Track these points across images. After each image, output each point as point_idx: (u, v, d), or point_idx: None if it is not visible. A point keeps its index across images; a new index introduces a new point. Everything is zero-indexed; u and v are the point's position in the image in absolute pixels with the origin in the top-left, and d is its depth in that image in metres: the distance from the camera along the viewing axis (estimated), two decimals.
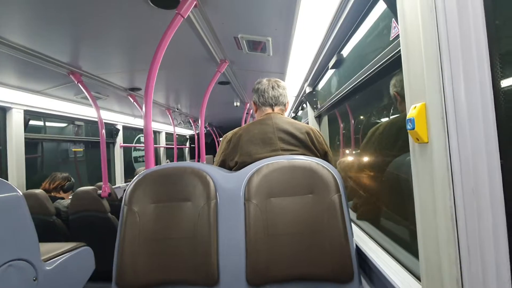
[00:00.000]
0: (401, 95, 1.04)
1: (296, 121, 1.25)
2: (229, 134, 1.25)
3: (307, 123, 2.27)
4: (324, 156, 1.21)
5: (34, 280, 1.19)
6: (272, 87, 1.27)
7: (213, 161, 1.34)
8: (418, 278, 0.77)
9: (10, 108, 2.30)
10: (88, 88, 2.19)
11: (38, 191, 2.00)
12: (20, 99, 2.36)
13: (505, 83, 0.46)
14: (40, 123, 2.91)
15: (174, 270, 0.97)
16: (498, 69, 0.46)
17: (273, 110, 1.27)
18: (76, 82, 2.05)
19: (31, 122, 2.59)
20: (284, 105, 1.31)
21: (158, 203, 1.03)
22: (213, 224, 0.99)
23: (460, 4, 0.47)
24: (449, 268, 0.49)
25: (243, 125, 2.13)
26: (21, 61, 1.67)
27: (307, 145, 1.16)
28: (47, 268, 1.28)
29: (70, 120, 3.25)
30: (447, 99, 0.48)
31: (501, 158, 0.45)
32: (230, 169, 1.20)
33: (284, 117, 1.24)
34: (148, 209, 1.02)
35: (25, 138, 2.43)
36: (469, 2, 0.47)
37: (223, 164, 1.23)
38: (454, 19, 0.48)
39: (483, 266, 0.45)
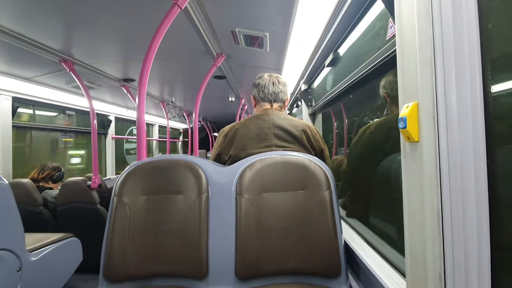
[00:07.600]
0: (390, 96, 1.05)
1: (293, 117, 1.25)
2: (226, 128, 1.25)
3: None
4: (321, 153, 1.22)
5: (18, 271, 1.16)
6: (273, 83, 1.27)
7: (206, 156, 1.34)
8: (403, 274, 0.79)
9: None
10: (81, 77, 2.14)
11: (25, 180, 1.95)
12: (8, 86, 2.28)
13: (495, 86, 0.47)
14: (30, 111, 2.83)
15: (163, 263, 0.96)
16: (488, 72, 0.48)
17: (271, 106, 1.27)
18: (68, 71, 2.00)
19: (20, 110, 2.51)
20: (283, 101, 1.31)
21: (149, 195, 1.03)
22: (204, 218, 0.99)
23: (455, 8, 0.48)
24: (433, 264, 0.50)
25: (237, 120, 2.12)
26: (10, 45, 1.61)
27: (302, 142, 1.16)
28: (32, 258, 1.25)
29: (61, 109, 3.18)
30: (438, 100, 0.49)
31: (487, 158, 0.46)
32: (225, 163, 1.20)
33: (282, 114, 1.24)
34: (139, 200, 1.01)
35: (12, 125, 2.36)
36: (463, 6, 0.48)
37: (218, 158, 1.23)
38: (449, 22, 0.49)
39: (466, 262, 0.47)
